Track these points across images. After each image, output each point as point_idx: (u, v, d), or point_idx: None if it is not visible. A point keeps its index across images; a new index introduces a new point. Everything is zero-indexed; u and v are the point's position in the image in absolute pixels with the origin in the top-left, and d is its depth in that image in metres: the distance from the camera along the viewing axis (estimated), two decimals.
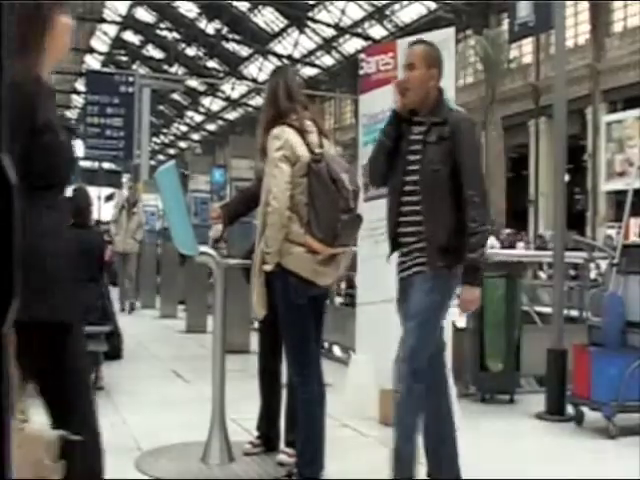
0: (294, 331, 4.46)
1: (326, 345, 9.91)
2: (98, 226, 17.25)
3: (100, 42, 54.16)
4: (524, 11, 11.41)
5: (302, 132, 4.41)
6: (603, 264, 9.24)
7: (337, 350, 9.98)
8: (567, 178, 8.43)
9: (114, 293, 12.11)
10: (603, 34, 29.39)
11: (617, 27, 29.37)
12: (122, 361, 8.97)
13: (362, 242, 6.97)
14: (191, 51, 50.19)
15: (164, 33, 49.47)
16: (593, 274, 10.18)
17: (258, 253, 4.39)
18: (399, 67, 6.73)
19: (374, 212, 6.78)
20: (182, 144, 68.57)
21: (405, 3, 37.37)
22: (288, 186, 4.26)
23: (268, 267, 4.28)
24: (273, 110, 4.53)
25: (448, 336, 6.13)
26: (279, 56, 45.98)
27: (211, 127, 63.31)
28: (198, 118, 62.79)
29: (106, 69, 39.20)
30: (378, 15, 38.86)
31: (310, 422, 4.46)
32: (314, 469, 4.42)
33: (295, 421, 4.75)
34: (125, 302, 15.45)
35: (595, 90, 28.79)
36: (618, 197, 24.66)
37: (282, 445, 5.16)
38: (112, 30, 51.78)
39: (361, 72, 7.16)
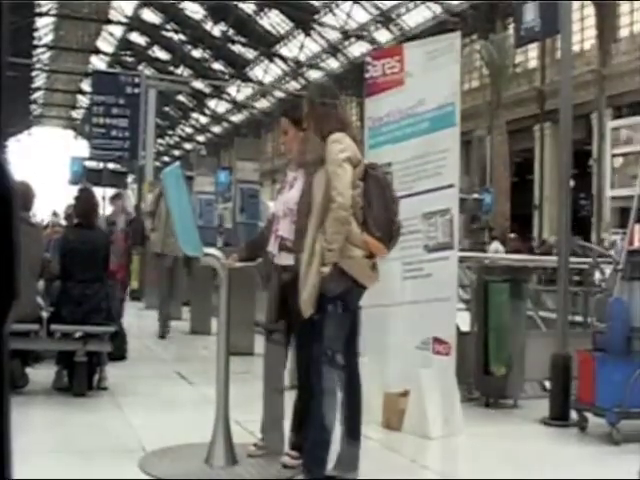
0: (336, 333, 4.59)
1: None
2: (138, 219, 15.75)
3: (106, 43, 54.29)
4: (530, 16, 11.41)
5: (356, 141, 4.71)
6: (608, 270, 9.23)
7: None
8: (572, 183, 8.42)
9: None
10: (609, 39, 29.39)
11: (623, 32, 29.37)
12: (126, 362, 8.96)
13: None
14: (197, 53, 50.25)
15: (170, 34, 49.52)
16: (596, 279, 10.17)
17: (317, 252, 4.46)
18: (405, 70, 6.75)
19: None
20: (187, 146, 68.62)
21: (411, 7, 37.39)
22: (350, 185, 4.47)
23: (326, 270, 4.37)
24: (338, 122, 4.75)
25: (453, 340, 6.14)
26: (285, 59, 46.02)
27: (216, 129, 63.37)
28: (203, 120, 62.86)
29: (112, 70, 39.19)
30: (384, 19, 38.88)
31: (326, 426, 4.51)
32: (321, 471, 4.45)
33: (301, 424, 4.79)
34: (166, 326, 12.02)
35: (601, 95, 28.79)
36: (623, 203, 24.62)
37: (286, 447, 5.16)
38: (118, 31, 51.89)
39: (367, 75, 7.16)
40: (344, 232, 4.39)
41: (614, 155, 25.03)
